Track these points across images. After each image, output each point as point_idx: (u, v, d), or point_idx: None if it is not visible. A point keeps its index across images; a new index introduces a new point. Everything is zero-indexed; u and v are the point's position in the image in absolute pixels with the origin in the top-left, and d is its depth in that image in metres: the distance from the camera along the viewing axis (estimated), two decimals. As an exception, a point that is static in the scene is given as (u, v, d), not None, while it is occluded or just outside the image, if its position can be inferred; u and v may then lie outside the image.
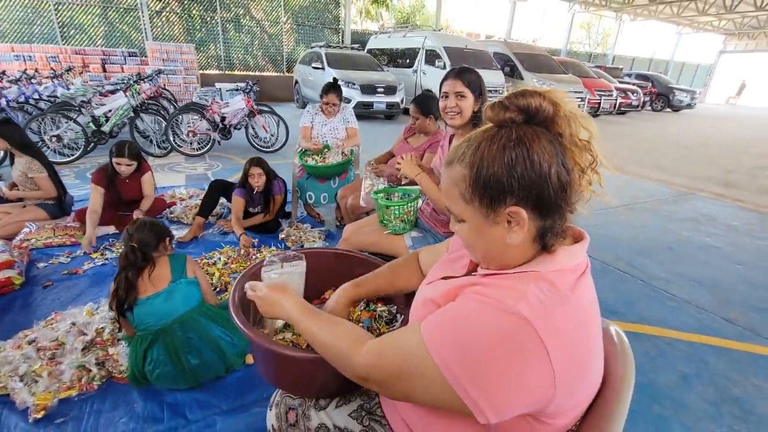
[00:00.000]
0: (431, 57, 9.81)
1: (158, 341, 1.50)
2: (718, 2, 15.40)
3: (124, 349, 1.63)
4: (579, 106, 0.61)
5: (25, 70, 6.36)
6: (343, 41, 12.34)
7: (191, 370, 1.49)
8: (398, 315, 1.02)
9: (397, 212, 1.67)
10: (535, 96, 0.59)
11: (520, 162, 0.57)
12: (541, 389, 0.53)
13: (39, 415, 1.37)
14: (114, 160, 2.62)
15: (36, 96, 5.55)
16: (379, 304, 1.01)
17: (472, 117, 1.60)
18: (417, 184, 1.68)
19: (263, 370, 0.91)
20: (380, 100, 8.70)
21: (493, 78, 9.35)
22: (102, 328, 1.74)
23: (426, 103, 2.38)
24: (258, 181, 2.75)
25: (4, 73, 5.95)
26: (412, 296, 0.81)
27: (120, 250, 2.57)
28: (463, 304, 0.61)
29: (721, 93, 25.89)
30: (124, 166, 2.64)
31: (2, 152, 4.10)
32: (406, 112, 9.00)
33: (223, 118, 5.25)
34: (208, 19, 10.96)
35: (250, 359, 1.67)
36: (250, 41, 11.78)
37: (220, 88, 7.86)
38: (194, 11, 10.76)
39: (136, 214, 2.67)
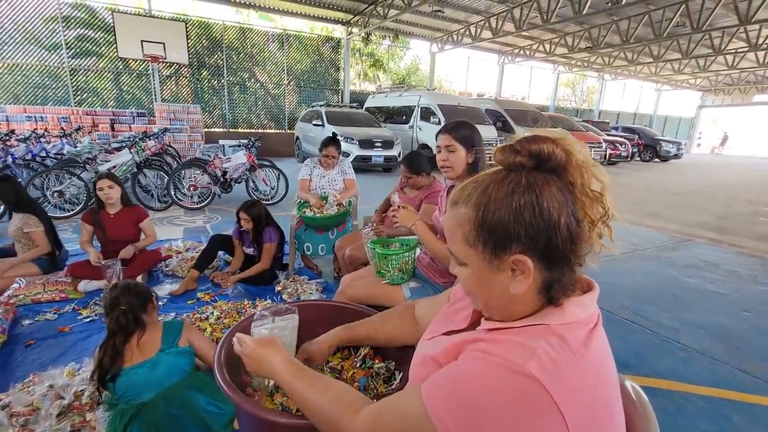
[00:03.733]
0: (426, 114, 10.29)
1: (139, 416, 1.38)
2: (693, 62, 16.50)
3: (103, 415, 1.51)
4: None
5: (35, 129, 6.60)
6: (342, 101, 13.00)
7: None
8: (396, 372, 0.96)
9: (395, 262, 1.64)
10: (548, 142, 0.58)
11: (528, 208, 0.55)
12: None
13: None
14: (97, 185, 2.68)
15: (43, 153, 5.71)
16: (377, 361, 0.96)
17: (468, 168, 1.63)
18: (413, 234, 1.67)
19: (250, 435, 0.83)
20: (378, 154, 8.98)
21: (485, 133, 9.73)
22: (81, 391, 1.62)
23: (415, 162, 2.43)
24: (245, 226, 2.83)
25: (13, 132, 6.16)
26: (412, 351, 0.76)
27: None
28: (466, 363, 0.56)
29: (706, 144, 26.93)
30: (107, 189, 2.67)
31: (2, 207, 4.12)
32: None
33: (224, 173, 5.36)
34: (215, 82, 11.62)
35: (237, 425, 1.55)
36: (254, 102, 12.40)
37: (223, 145, 8.13)
38: (202, 76, 11.44)
39: (127, 250, 2.68)
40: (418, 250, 1.79)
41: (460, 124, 1.66)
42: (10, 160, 5.02)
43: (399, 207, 1.72)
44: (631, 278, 3.47)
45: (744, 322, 2.74)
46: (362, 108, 11.89)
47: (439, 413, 0.52)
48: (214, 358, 0.81)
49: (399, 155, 9.32)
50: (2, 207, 4.23)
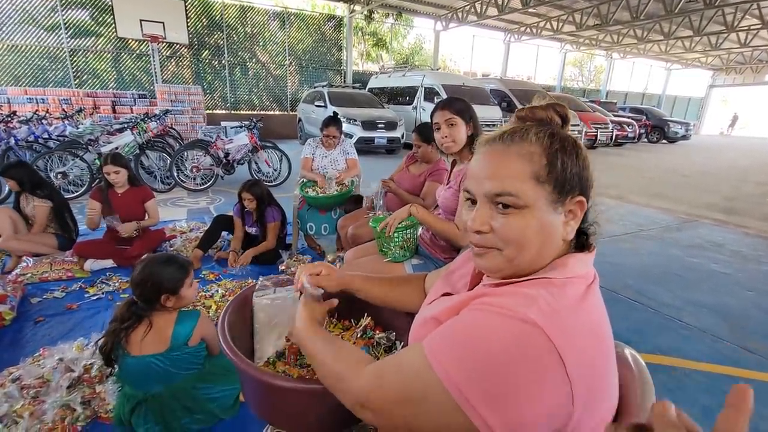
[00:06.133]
0: (430, 94, 10.12)
1: (146, 403, 1.36)
2: (704, 40, 16.04)
3: (113, 387, 1.55)
4: (576, 138, 0.62)
5: (36, 111, 6.57)
6: (345, 81, 12.80)
7: (181, 428, 1.38)
8: (397, 342, 0.97)
9: (397, 240, 1.64)
10: (562, 108, 0.64)
11: (581, 156, 0.60)
12: (558, 404, 0.48)
13: (17, 459, 1.28)
14: (103, 169, 2.71)
15: (45, 135, 5.69)
16: (377, 331, 0.96)
17: (468, 141, 1.63)
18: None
19: (253, 403, 0.84)
20: (381, 136, 8.89)
21: (490, 113, 9.59)
22: (90, 364, 1.66)
23: (426, 131, 2.42)
24: (248, 205, 2.82)
25: (14, 113, 6.14)
26: (412, 321, 0.76)
27: (116, 285, 2.54)
28: (469, 315, 0.57)
29: (715, 125, 26.42)
30: (113, 174, 2.71)
31: (8, 190, 4.16)
32: (406, 146, 9.17)
33: (227, 154, 5.34)
34: (216, 63, 11.45)
35: (243, 397, 1.58)
36: (255, 83, 12.23)
37: (225, 126, 8.07)
38: (202, 56, 11.27)
39: (128, 226, 2.70)
40: (420, 228, 1.79)
41: (453, 99, 1.69)
42: (12, 141, 5.01)
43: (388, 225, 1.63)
44: (636, 258, 3.46)
45: (747, 302, 2.73)
46: (365, 89, 11.71)
47: (442, 362, 0.52)
48: (218, 327, 0.81)
49: (402, 137, 9.23)
50: (6, 190, 4.26)
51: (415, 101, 10.51)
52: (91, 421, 1.46)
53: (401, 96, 11.19)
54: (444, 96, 9.59)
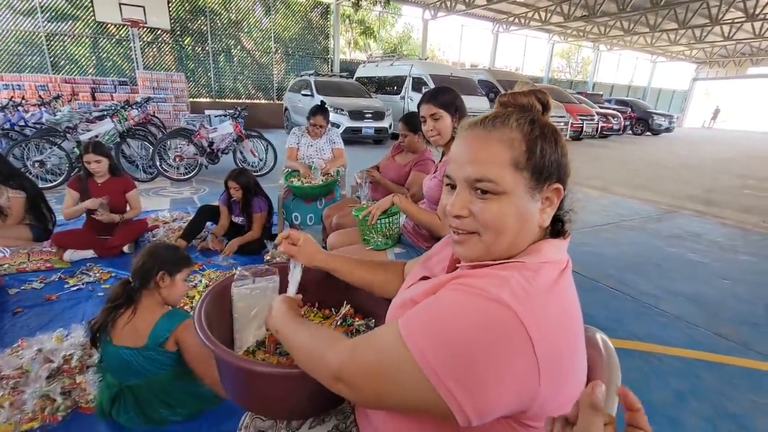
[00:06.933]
0: (418, 84, 10.08)
1: (126, 393, 1.36)
2: (689, 33, 16.26)
3: (94, 377, 1.53)
4: (562, 130, 0.65)
5: (12, 97, 6.34)
6: (332, 70, 12.64)
7: (161, 419, 1.38)
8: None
9: (380, 227, 1.64)
10: (543, 94, 0.65)
11: (560, 144, 0.61)
12: (525, 381, 0.50)
13: (-6, 451, 1.27)
14: (84, 158, 2.65)
15: (22, 123, 5.51)
16: (357, 318, 0.97)
17: (455, 133, 1.64)
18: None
19: (231, 390, 0.84)
20: (368, 126, 8.83)
21: (477, 104, 9.59)
22: (70, 354, 1.64)
23: (413, 121, 2.41)
24: (235, 195, 2.81)
25: (-11, 100, 5.92)
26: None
27: (97, 275, 2.50)
28: (444, 294, 0.58)
29: (698, 118, 26.95)
30: (93, 163, 2.65)
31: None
32: (393, 137, 9.14)
33: (211, 143, 5.25)
34: (199, 49, 11.17)
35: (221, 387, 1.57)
36: (240, 71, 11.99)
37: (209, 115, 7.90)
38: (185, 42, 10.98)
39: (101, 204, 2.63)
40: (403, 217, 1.80)
41: (439, 90, 1.69)
42: (-13, 129, 4.84)
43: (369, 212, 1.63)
44: (616, 248, 3.54)
45: (722, 290, 2.83)
46: (352, 78, 11.59)
47: (415, 338, 0.53)
48: (194, 315, 0.81)
49: (390, 127, 9.18)
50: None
51: (403, 91, 10.46)
52: (72, 411, 1.45)
53: (389, 86, 11.12)
54: (432, 86, 9.56)
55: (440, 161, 1.82)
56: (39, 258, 2.60)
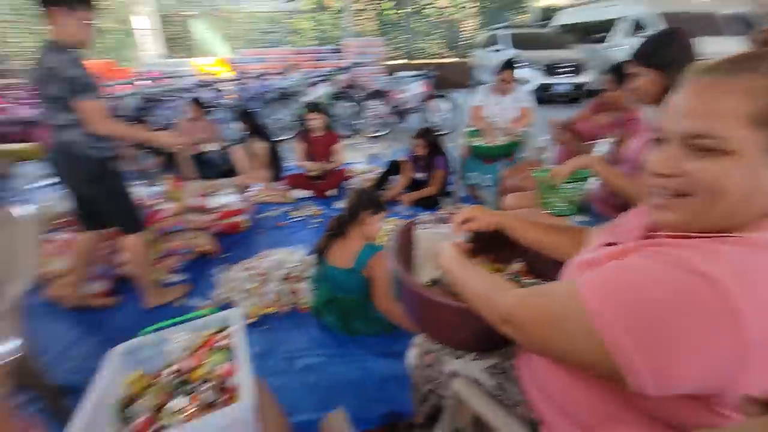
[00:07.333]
0: (638, 27, 8.18)
1: (333, 302, 1.73)
2: None
3: (307, 287, 2.01)
4: None
5: (266, 69, 8.23)
6: (529, 19, 11.52)
7: (355, 329, 1.72)
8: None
9: (564, 191, 1.51)
10: None
11: None
12: (726, 361, 0.43)
13: (251, 321, 1.84)
14: (306, 116, 3.36)
15: (265, 89, 7.14)
16: (528, 277, 0.97)
17: (662, 91, 1.30)
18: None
19: (411, 315, 0.98)
20: (564, 82, 7.83)
21: (719, 47, 7.09)
22: (294, 266, 2.18)
23: (621, 73, 2.05)
24: (418, 152, 3.04)
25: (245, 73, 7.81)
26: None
27: (311, 211, 3.16)
28: (635, 259, 0.53)
29: None
30: (313, 120, 3.30)
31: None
32: (589, 94, 7.85)
33: (401, 103, 5.69)
34: (393, 14, 11.86)
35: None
36: (432, 31, 12.23)
37: (401, 76, 8.46)
38: (384, 7, 11.81)
39: (316, 166, 3.36)
40: (590, 184, 1.60)
41: (647, 43, 1.33)
42: (245, 94, 6.46)
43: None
44: None
45: None
46: (551, 25, 10.30)
47: (596, 300, 0.50)
48: (387, 247, 0.96)
49: (590, 82, 7.91)
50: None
51: (613, 37, 8.69)
52: (292, 308, 1.96)
53: (597, 32, 9.39)
54: (657, 28, 7.60)
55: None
56: (276, 193, 3.44)
